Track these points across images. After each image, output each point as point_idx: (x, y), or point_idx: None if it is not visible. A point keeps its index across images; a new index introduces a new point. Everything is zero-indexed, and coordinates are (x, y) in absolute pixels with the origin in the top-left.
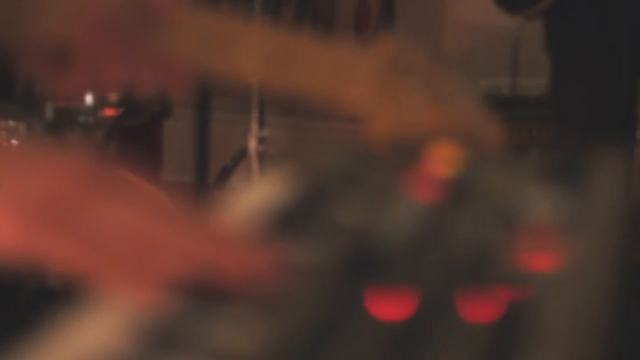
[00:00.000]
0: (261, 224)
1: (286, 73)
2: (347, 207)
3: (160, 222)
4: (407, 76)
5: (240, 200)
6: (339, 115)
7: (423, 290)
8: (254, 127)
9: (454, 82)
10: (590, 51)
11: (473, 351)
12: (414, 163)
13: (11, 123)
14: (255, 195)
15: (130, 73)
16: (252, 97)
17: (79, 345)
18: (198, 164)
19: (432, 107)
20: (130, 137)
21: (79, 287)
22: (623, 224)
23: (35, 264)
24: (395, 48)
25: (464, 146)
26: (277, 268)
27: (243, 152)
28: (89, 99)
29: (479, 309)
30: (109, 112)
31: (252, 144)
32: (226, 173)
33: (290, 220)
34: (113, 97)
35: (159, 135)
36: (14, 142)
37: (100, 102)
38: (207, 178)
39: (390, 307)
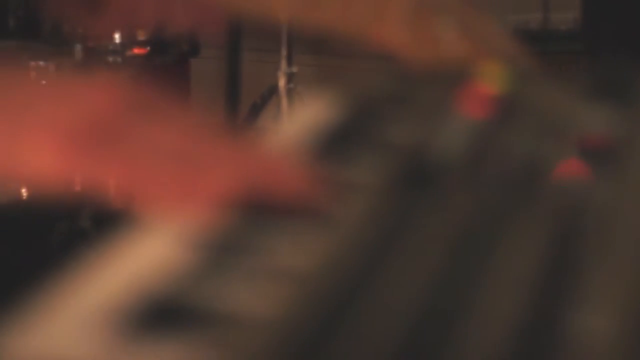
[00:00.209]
0: (311, 144)
1: (318, 10)
2: (398, 126)
3: (207, 142)
4: (439, 13)
5: (289, 122)
6: (368, 54)
7: (477, 204)
8: (283, 64)
9: (486, 20)
10: None
11: (533, 259)
12: (461, 83)
13: (41, 63)
14: (303, 116)
15: (161, 12)
16: (280, 36)
17: (137, 263)
18: (228, 104)
19: (465, 44)
20: (157, 75)
21: (125, 212)
22: None
23: (72, 192)
24: None
25: (509, 65)
26: (329, 186)
27: (272, 90)
28: (117, 38)
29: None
30: (137, 51)
31: (282, 82)
32: (255, 111)
33: (340, 140)
34: (141, 36)
35: (187, 74)
36: (44, 82)
37: (129, 42)
38: (237, 119)
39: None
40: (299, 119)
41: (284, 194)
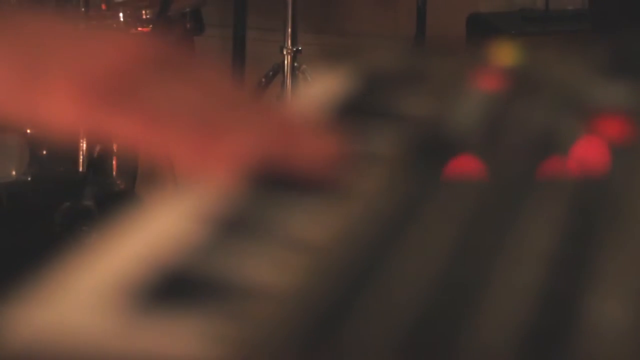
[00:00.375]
0: (326, 116)
1: None
2: (414, 98)
3: (227, 102)
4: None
5: (303, 93)
6: (371, 32)
7: (493, 176)
8: (288, 42)
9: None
10: None
11: (549, 233)
12: (475, 57)
13: None
14: (317, 89)
15: None
16: (285, 14)
17: (148, 237)
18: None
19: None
20: None
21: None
22: None
23: (91, 139)
24: None
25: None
26: (346, 157)
27: (277, 69)
28: (121, 16)
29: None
30: (141, 30)
31: (287, 60)
32: (260, 89)
33: (355, 112)
34: (146, 13)
35: (191, 51)
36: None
37: (133, 20)
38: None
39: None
40: (313, 91)
41: (302, 162)
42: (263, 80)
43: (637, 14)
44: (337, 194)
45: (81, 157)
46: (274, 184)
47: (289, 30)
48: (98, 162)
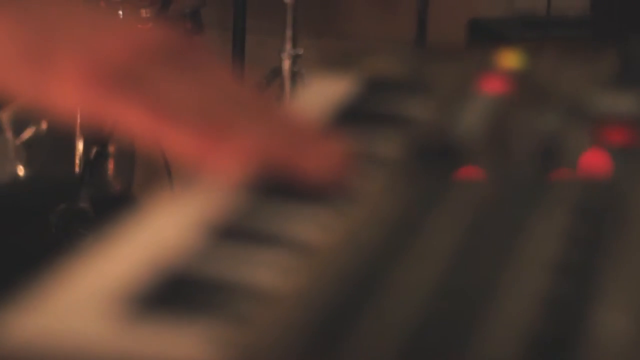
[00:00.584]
0: (329, 119)
1: None
2: (416, 103)
3: (235, 101)
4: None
5: (306, 97)
6: (371, 36)
7: (497, 181)
8: (288, 46)
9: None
10: None
11: (555, 238)
12: (481, 63)
13: None
14: (319, 92)
15: None
16: (285, 17)
17: (147, 240)
18: None
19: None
20: None
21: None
22: None
23: (94, 126)
24: None
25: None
26: (351, 161)
27: (276, 72)
28: (120, 15)
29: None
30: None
31: (286, 63)
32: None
33: (358, 116)
34: (145, 13)
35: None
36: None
37: (132, 17)
38: None
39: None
40: (313, 96)
41: (307, 165)
42: (262, 83)
43: (639, 19)
44: (342, 198)
45: (77, 158)
46: (279, 186)
47: (289, 33)
48: (94, 163)
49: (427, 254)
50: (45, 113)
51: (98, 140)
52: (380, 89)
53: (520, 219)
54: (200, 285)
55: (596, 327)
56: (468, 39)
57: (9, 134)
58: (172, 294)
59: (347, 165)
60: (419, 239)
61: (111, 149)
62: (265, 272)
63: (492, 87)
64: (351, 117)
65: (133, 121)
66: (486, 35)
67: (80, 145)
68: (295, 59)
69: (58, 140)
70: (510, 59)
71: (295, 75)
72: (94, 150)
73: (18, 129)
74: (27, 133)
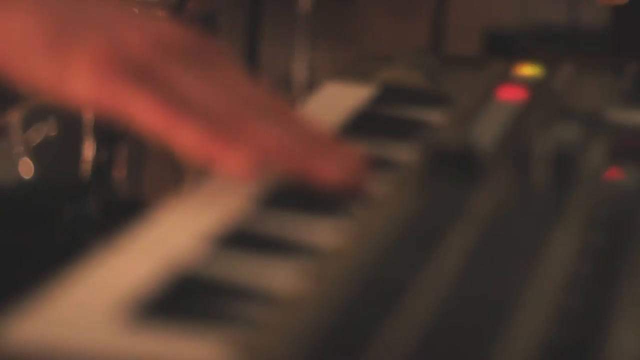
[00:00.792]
0: (347, 125)
1: None
2: (434, 109)
3: (251, 100)
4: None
5: (322, 104)
6: (386, 45)
7: (515, 188)
8: (300, 54)
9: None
10: None
11: (572, 247)
12: (498, 74)
13: None
14: (338, 99)
15: None
16: (299, 25)
17: (159, 241)
18: None
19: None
20: None
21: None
22: None
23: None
24: None
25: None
26: (367, 166)
27: (291, 80)
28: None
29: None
30: None
31: (301, 72)
32: None
33: (376, 122)
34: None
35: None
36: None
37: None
38: None
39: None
40: (329, 104)
41: (324, 167)
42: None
43: None
44: (357, 203)
45: (86, 161)
46: (295, 190)
47: (304, 42)
48: (103, 167)
49: (443, 262)
50: (61, 104)
51: (108, 144)
52: (396, 96)
53: (536, 230)
54: (213, 290)
55: (612, 340)
56: (483, 49)
57: (17, 136)
58: (184, 298)
59: (364, 170)
60: (434, 247)
61: (121, 152)
62: (279, 276)
63: (509, 96)
64: (367, 123)
65: (145, 115)
66: (501, 45)
67: (89, 149)
68: (310, 67)
69: (67, 143)
70: (526, 70)
71: (310, 84)
72: (103, 153)
73: (26, 131)
74: (36, 135)
